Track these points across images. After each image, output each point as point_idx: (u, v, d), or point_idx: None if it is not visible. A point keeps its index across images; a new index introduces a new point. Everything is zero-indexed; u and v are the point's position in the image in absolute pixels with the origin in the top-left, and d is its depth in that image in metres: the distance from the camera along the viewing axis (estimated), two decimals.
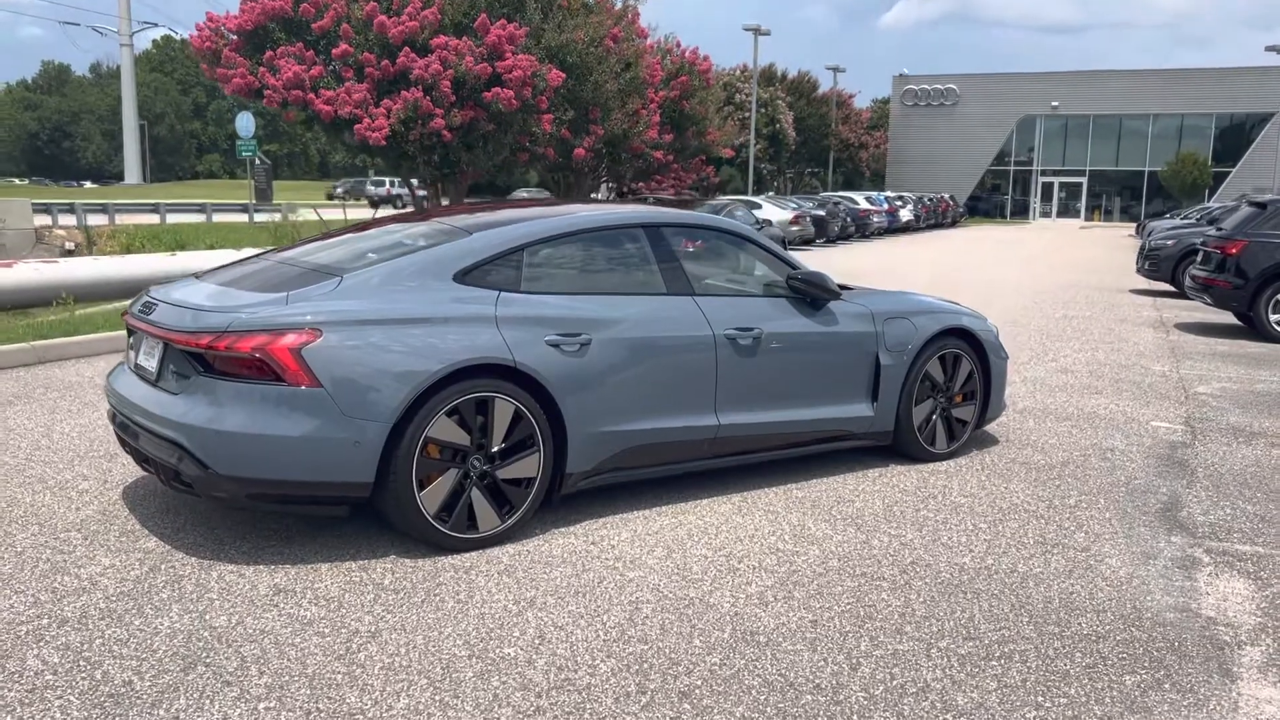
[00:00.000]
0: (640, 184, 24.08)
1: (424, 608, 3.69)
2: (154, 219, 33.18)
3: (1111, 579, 4.20)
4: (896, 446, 5.84)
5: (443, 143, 13.02)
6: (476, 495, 4.25)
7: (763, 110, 46.22)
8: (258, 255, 4.87)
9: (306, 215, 27.01)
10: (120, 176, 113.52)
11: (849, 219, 33.59)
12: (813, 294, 5.33)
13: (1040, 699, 3.20)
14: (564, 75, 13.78)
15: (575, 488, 4.62)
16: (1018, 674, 3.36)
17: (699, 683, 3.22)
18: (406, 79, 12.76)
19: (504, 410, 4.25)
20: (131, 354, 4.53)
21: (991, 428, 6.74)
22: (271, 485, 3.94)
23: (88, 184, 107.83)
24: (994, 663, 3.43)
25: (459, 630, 3.52)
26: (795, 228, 27.26)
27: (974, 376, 6.03)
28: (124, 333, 4.62)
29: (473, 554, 4.22)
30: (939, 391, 5.90)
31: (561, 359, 4.41)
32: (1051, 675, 3.36)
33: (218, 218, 35.91)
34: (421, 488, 4.10)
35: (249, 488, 3.93)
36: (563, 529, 4.58)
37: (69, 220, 30.19)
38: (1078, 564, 4.35)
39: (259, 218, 35.17)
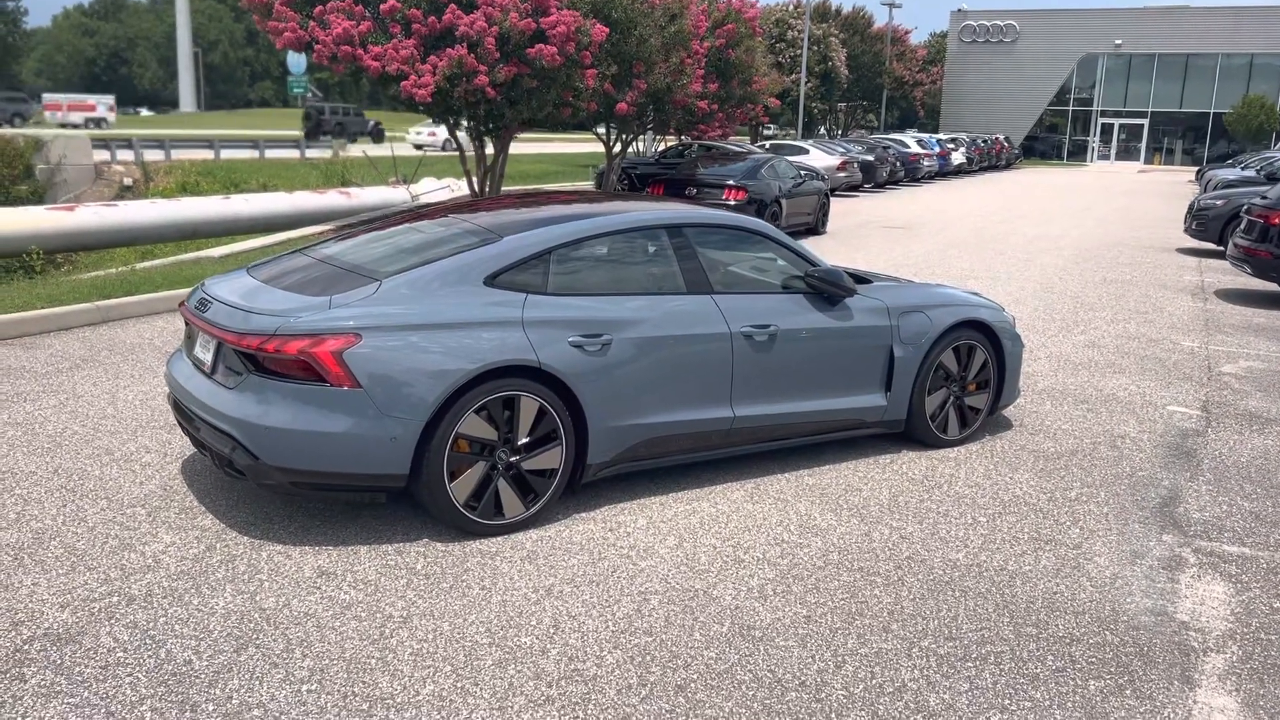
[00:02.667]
0: (693, 132, 24.09)
1: (451, 594, 4.06)
2: (209, 155, 33.77)
3: (1096, 579, 4.46)
4: (909, 434, 6.10)
5: (487, 99, 13.21)
6: (503, 485, 4.59)
7: (815, 48, 45.53)
8: (302, 250, 5.20)
9: (355, 152, 27.39)
10: (175, 103, 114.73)
11: (898, 163, 33.25)
12: (828, 291, 5.56)
13: (1007, 702, 3.50)
14: (608, 30, 13.86)
15: (595, 477, 4.95)
16: (990, 676, 3.66)
17: (695, 677, 3.56)
18: (452, 35, 12.93)
19: (529, 407, 4.57)
20: (189, 343, 4.90)
21: (1008, 411, 6.95)
22: (316, 475, 4.31)
23: (144, 110, 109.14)
24: (970, 664, 3.73)
25: (482, 618, 3.89)
26: (842, 174, 27.10)
27: (988, 366, 6.24)
28: (183, 297, 4.97)
29: (499, 539, 4.58)
30: (953, 381, 6.12)
31: (584, 358, 4.71)
32: (1021, 678, 3.65)
33: (270, 154, 36.45)
34: (452, 479, 4.45)
35: (295, 477, 4.31)
36: (583, 514, 4.92)
37: (127, 156, 30.82)
38: (1066, 562, 4.62)
39: (310, 154, 35.69)
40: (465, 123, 14.30)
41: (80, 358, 7.51)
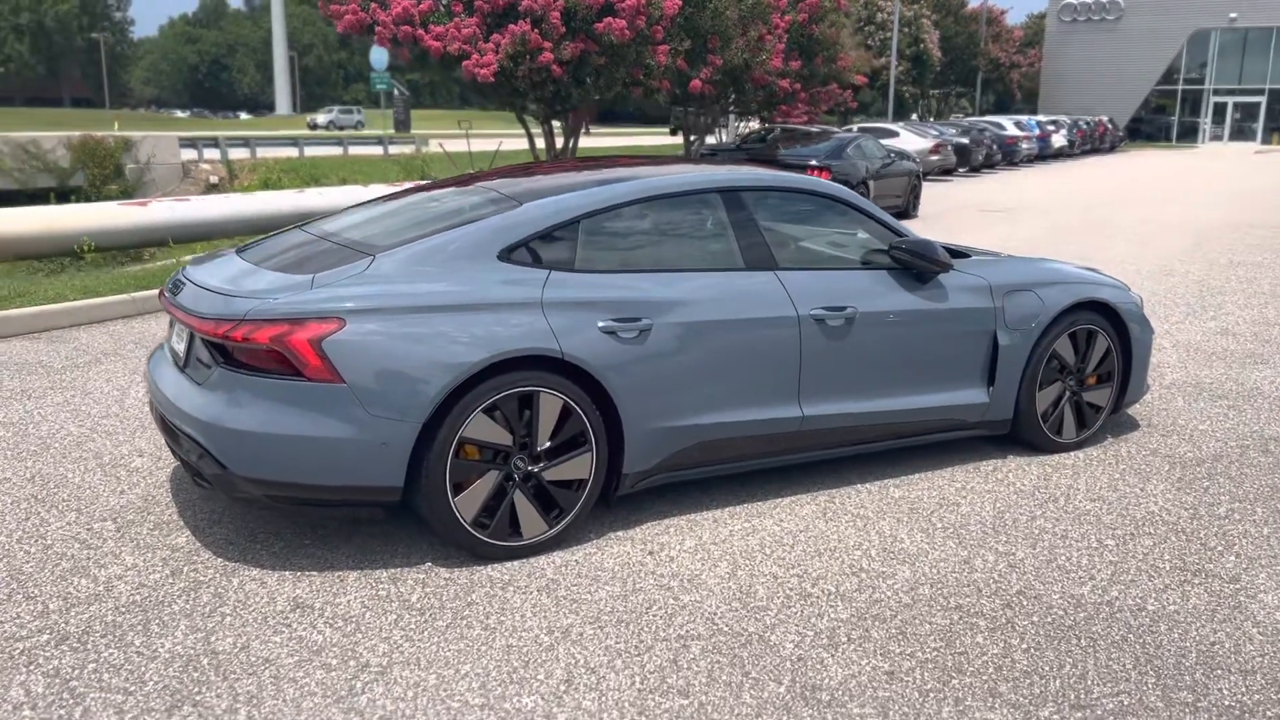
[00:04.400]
0: (775, 114, 23.11)
1: (447, 635, 3.31)
2: (293, 152, 33.89)
3: (1266, 625, 3.50)
4: (1017, 436, 5.16)
5: (553, 78, 12.50)
6: (520, 499, 3.83)
7: (905, 30, 43.93)
8: (300, 227, 4.50)
9: (441, 147, 27.08)
10: (272, 107, 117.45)
11: (995, 146, 31.68)
12: (918, 266, 4.66)
13: None
14: (680, 3, 13.03)
15: (634, 488, 4.15)
16: None
17: None
18: (515, 11, 12.25)
19: (551, 406, 3.80)
20: (170, 335, 4.25)
21: (1134, 409, 5.95)
22: (293, 488, 3.61)
23: (243, 115, 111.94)
24: None
25: (479, 668, 3.12)
26: (935, 157, 25.82)
27: (1111, 355, 5.26)
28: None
29: (515, 564, 3.82)
30: (1068, 373, 5.16)
31: (617, 347, 3.92)
32: None
33: (354, 150, 36.45)
34: (457, 491, 3.70)
35: (269, 489, 3.61)
36: (620, 533, 4.13)
37: (213, 155, 31.07)
38: (1223, 600, 3.66)
39: (393, 150, 35.61)
40: (531, 105, 13.62)
41: (102, 352, 7.00)
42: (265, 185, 27.68)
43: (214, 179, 28.53)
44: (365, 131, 46.57)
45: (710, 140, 23.59)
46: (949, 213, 17.76)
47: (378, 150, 36.69)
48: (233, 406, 3.58)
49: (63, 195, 22.64)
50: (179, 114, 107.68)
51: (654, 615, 3.47)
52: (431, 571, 3.74)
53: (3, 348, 7.05)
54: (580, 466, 3.92)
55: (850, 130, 24.28)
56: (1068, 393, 5.18)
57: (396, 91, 53.81)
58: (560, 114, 13.89)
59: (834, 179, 14.17)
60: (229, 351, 3.61)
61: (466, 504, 3.72)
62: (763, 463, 4.47)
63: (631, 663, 3.17)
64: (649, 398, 4.02)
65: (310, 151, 34.69)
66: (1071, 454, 5.19)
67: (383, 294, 3.64)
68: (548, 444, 3.84)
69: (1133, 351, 5.33)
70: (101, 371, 6.48)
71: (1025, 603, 3.62)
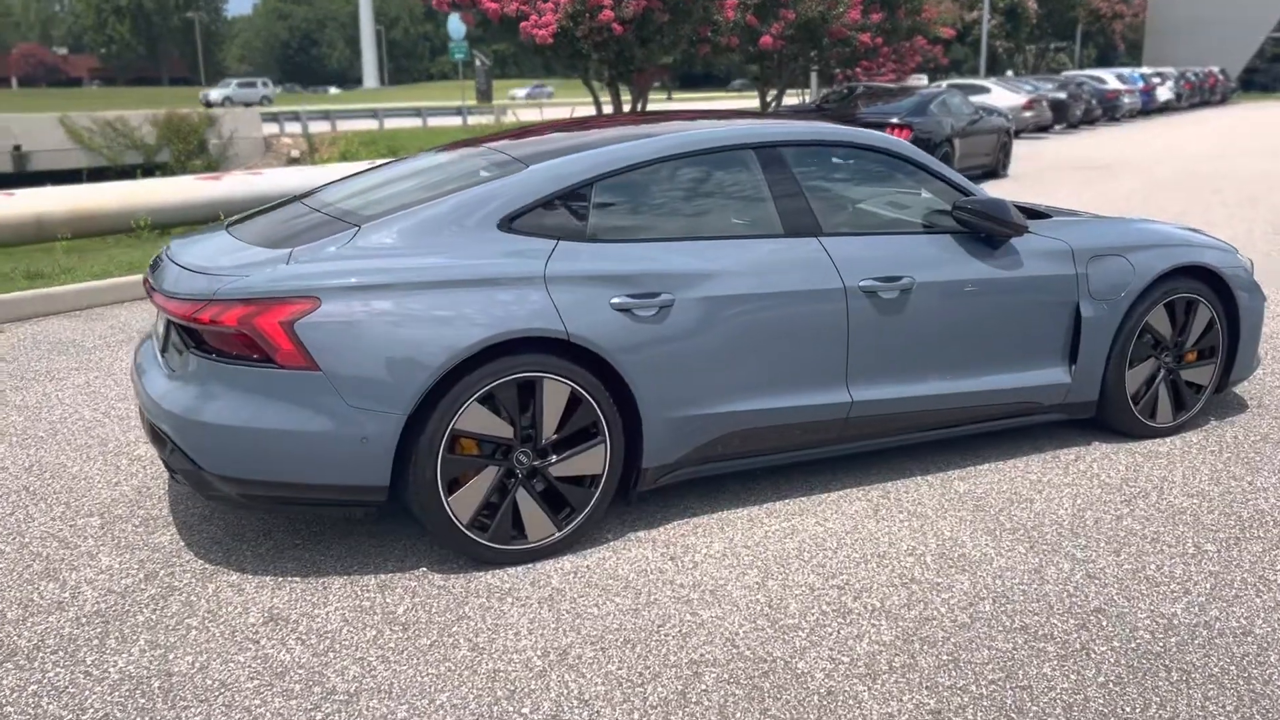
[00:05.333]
0: (857, 71, 22.20)
1: (428, 657, 2.92)
2: (373, 125, 33.97)
3: None
4: (1103, 420, 4.56)
5: (614, 38, 12.00)
6: (524, 497, 3.42)
7: None
8: (300, 198, 4.13)
9: (524, 115, 26.82)
10: (360, 81, 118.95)
11: (1094, 101, 30.11)
12: (986, 229, 4.09)
13: None
14: None
15: (658, 484, 3.71)
16: None
17: None
18: None
19: (556, 393, 3.37)
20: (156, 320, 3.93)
21: (1241, 388, 5.28)
22: (269, 487, 3.25)
23: (332, 89, 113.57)
24: None
25: (456, 699, 2.72)
26: (1029, 113, 24.57)
27: (1215, 328, 4.61)
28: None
29: (519, 570, 3.41)
30: (1163, 349, 4.54)
31: (633, 327, 3.46)
32: None
33: (433, 122, 36.42)
34: (451, 490, 3.30)
35: (244, 488, 3.26)
36: (642, 533, 3.69)
37: (294, 129, 31.32)
38: None
39: (472, 120, 35.48)
40: (594, 68, 13.13)
41: (138, 329, 6.79)
42: (344, 158, 27.79)
43: (295, 152, 28.79)
44: (445, 102, 46.46)
45: (792, 101, 22.78)
46: (1042, 171, 16.78)
47: (457, 121, 36.62)
48: (203, 397, 3.24)
49: (149, 171, 23.01)
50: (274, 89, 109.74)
51: (666, 635, 3.03)
52: (425, 578, 3.36)
53: (44, 326, 6.90)
54: (593, 461, 3.49)
55: (929, 87, 23.26)
56: (1163, 371, 4.56)
57: (478, 61, 53.62)
58: (624, 76, 13.37)
59: (916, 138, 13.43)
60: (200, 336, 3.26)
61: (462, 503, 3.32)
62: (807, 454, 3.98)
63: (632, 694, 2.74)
64: (671, 383, 3.56)
65: (390, 124, 34.75)
66: (1167, 440, 4.58)
67: (363, 270, 3.25)
68: (554, 436, 3.42)
69: (1240, 323, 4.67)
70: (131, 351, 6.26)
71: (1105, 623, 3.08)
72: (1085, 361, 4.34)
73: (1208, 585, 3.30)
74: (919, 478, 4.18)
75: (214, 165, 25.60)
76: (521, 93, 64.61)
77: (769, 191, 3.87)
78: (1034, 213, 4.69)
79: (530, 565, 3.44)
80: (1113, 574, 3.38)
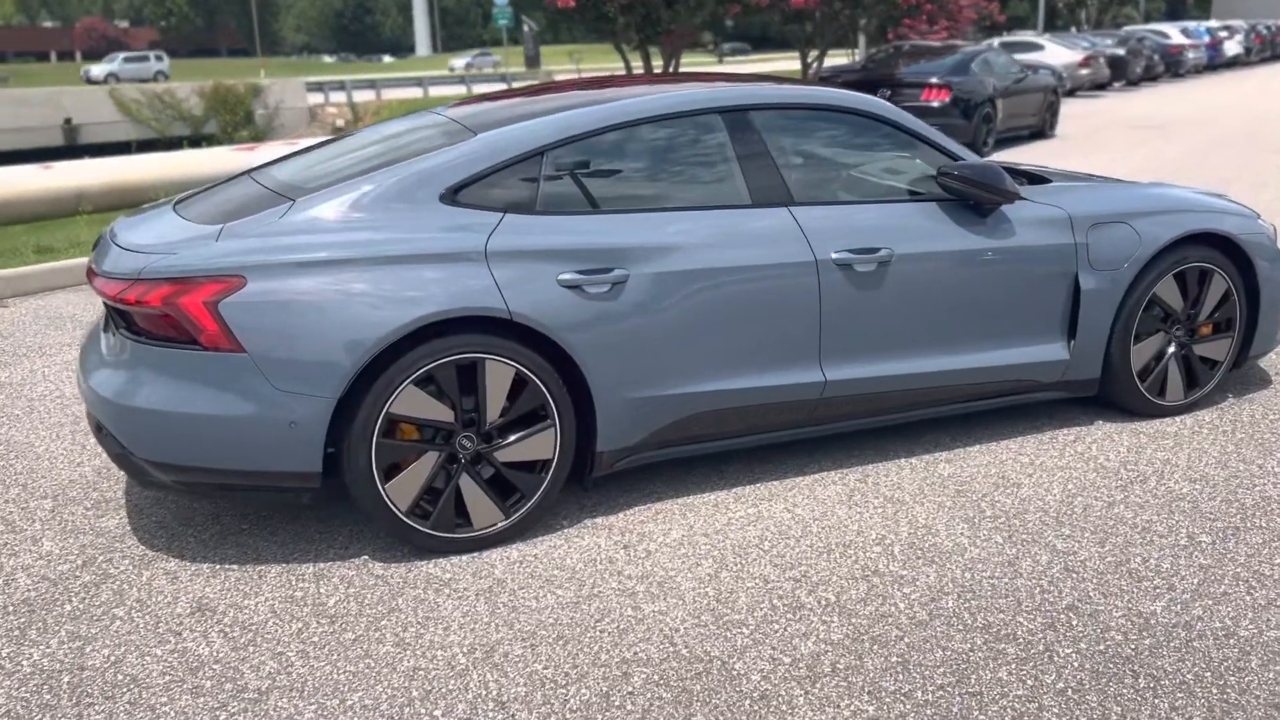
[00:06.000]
0: (906, 30, 21.58)
1: (349, 652, 2.80)
2: (418, 93, 33.97)
3: None
4: (1108, 398, 4.30)
5: (641, 0, 11.71)
6: (468, 484, 3.27)
7: None
8: (251, 172, 3.99)
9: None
10: (413, 48, 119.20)
11: (1156, 56, 29.00)
12: (973, 196, 3.83)
13: None
14: None
15: (616, 468, 3.54)
16: None
17: None
18: None
19: (499, 375, 3.21)
20: None
21: (1265, 362, 4.96)
22: (202, 474, 3.14)
23: (386, 57, 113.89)
24: None
25: (368, 700, 2.60)
26: (1085, 70, 23.72)
27: (1232, 299, 4.31)
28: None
29: (465, 558, 3.28)
30: (1174, 322, 4.25)
31: (583, 304, 3.28)
32: None
33: (478, 88, 36.30)
34: (389, 476, 3.17)
35: (178, 475, 3.15)
36: (600, 519, 3.53)
37: (339, 98, 31.42)
38: None
39: (516, 86, 35.40)
40: (621, 30, 12.84)
41: None
42: None
43: (339, 121, 28.87)
44: (490, 70, 46.36)
45: (840, 61, 22.21)
46: (1092, 131, 16.16)
47: (501, 87, 36.48)
48: (133, 381, 3.13)
49: (195, 142, 23.20)
50: (326, 59, 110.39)
51: (603, 631, 2.87)
52: (364, 567, 3.24)
53: (49, 300, 6.90)
54: (542, 445, 3.33)
55: (990, 44, 22.53)
56: (1173, 345, 4.27)
57: (526, 27, 53.27)
58: (653, 39, 13.07)
59: (955, 98, 12.99)
60: (130, 317, 3.15)
61: (400, 490, 3.18)
62: (780, 436, 3.79)
63: (553, 697, 2.59)
64: (626, 363, 3.38)
65: (435, 91, 34.72)
66: (1176, 420, 4.30)
67: (292, 246, 3.10)
68: (499, 420, 3.26)
69: (1261, 294, 4.35)
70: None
71: (1075, 622, 2.86)
72: (1085, 337, 4.07)
73: (1195, 581, 3.06)
74: (902, 460, 3.96)
75: (260, 135, 25.78)
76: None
77: (736, 159, 3.65)
78: (1035, 177, 4.41)
79: (476, 554, 3.30)
80: (1093, 567, 3.15)
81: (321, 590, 3.11)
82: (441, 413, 3.19)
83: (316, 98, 30.66)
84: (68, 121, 26.69)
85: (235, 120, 27.13)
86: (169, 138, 25.38)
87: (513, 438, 3.30)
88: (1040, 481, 3.75)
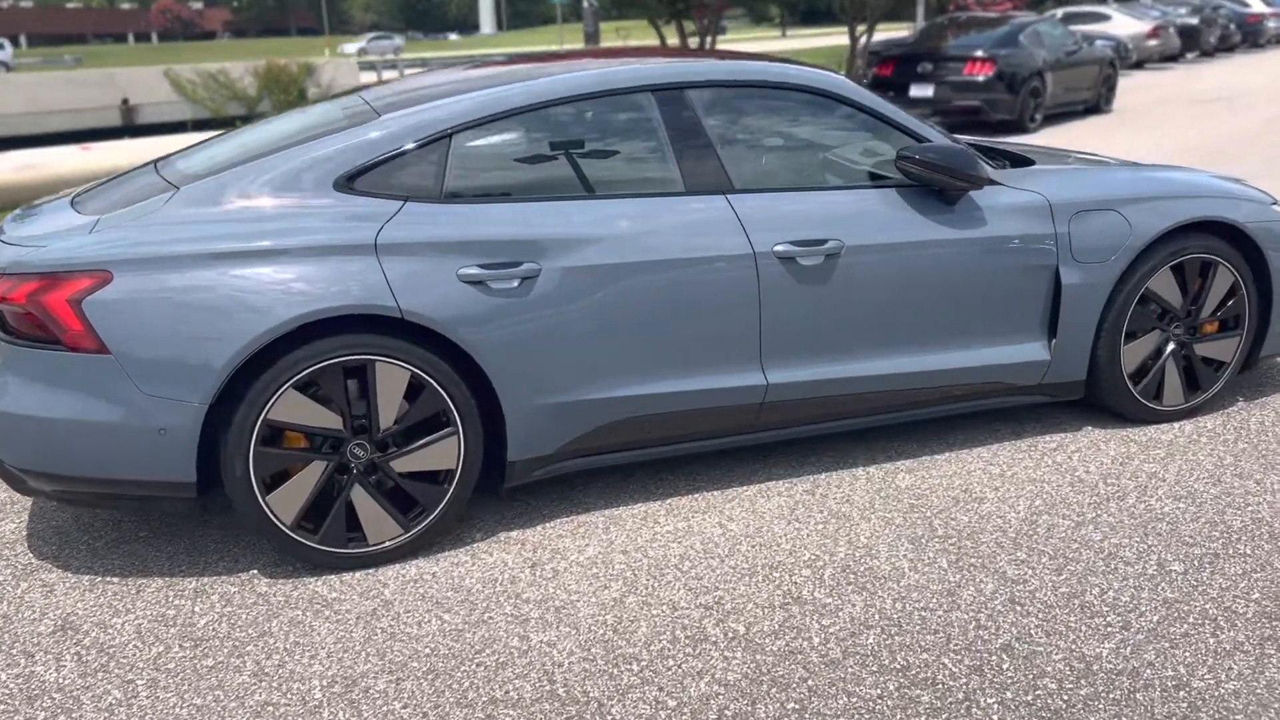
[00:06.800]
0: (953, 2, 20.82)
1: (203, 682, 2.58)
2: None
3: None
4: (1098, 402, 3.92)
5: None
6: (360, 496, 3.03)
7: None
8: (154, 161, 3.76)
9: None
10: (478, 27, 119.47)
11: (1233, 26, 27.70)
12: (937, 181, 3.48)
13: None
14: None
15: (534, 477, 3.27)
16: None
17: None
18: None
19: (392, 378, 2.96)
20: None
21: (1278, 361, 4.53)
22: (78, 483, 2.94)
23: (452, 36, 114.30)
24: None
25: None
26: (1153, 41, 22.70)
27: (1239, 293, 3.89)
28: None
29: (358, 576, 3.05)
30: (1172, 319, 3.85)
31: (486, 301, 3.02)
32: None
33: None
34: (271, 487, 2.94)
35: (54, 484, 2.96)
36: (516, 533, 3.28)
37: (392, 76, 31.46)
38: None
39: None
40: (653, 4, 12.47)
41: None
42: None
43: None
44: (548, 47, 46.02)
45: (894, 34, 21.53)
46: (1150, 106, 15.40)
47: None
48: (1, 385, 2.94)
49: (248, 120, 23.36)
50: (395, 38, 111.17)
51: (480, 664, 2.62)
52: (249, 583, 3.02)
53: None
54: (444, 454, 3.08)
55: (1047, 15, 21.65)
56: (1172, 345, 3.88)
57: (586, 3, 52.90)
58: (683, 13, 12.68)
59: (999, 72, 12.45)
60: (3, 316, 2.96)
61: (284, 502, 2.96)
62: (722, 444, 3.49)
63: None
64: (539, 366, 3.11)
65: None
66: (1174, 427, 3.91)
67: (164, 239, 2.88)
68: (393, 427, 3.02)
69: (1274, 287, 3.93)
70: None
71: (1007, 666, 2.53)
72: (1068, 335, 3.70)
73: (1154, 618, 2.71)
74: (859, 469, 3.64)
75: None
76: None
77: (669, 142, 3.34)
78: (1019, 159, 4.02)
79: (372, 571, 3.07)
80: (1042, 599, 2.81)
81: (197, 609, 2.90)
82: (328, 419, 2.95)
83: (369, 76, 30.71)
84: (125, 102, 27.04)
85: (289, 99, 27.26)
86: (223, 117, 25.62)
87: (411, 446, 3.05)
88: (1006, 496, 3.40)
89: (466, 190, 3.14)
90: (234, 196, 3.01)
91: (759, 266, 3.29)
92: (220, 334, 2.81)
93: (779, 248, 3.30)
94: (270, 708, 2.48)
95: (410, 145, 3.12)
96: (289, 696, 2.52)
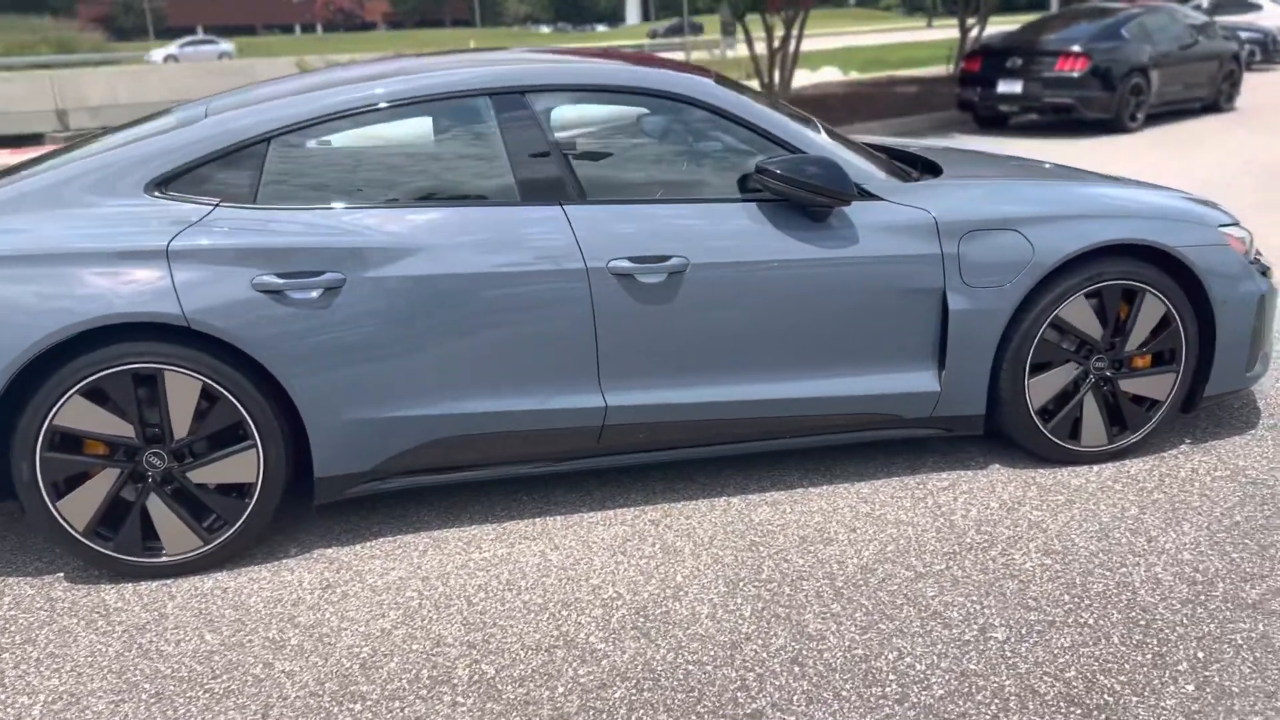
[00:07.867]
0: None
1: None
2: None
3: None
4: (1008, 439, 3.57)
5: None
6: (156, 505, 2.99)
7: None
8: (54, 154, 3.82)
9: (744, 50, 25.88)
10: (624, 18, 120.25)
11: None
12: (797, 198, 3.20)
13: None
14: None
15: (348, 495, 3.17)
16: None
17: None
18: None
19: (182, 388, 2.91)
20: None
21: (1262, 388, 4.03)
22: None
23: (600, 27, 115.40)
24: None
25: None
26: None
27: (1174, 326, 3.46)
28: None
29: (152, 586, 3.01)
30: (1089, 351, 3.46)
31: (284, 312, 2.93)
32: None
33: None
34: (62, 493, 2.93)
35: None
36: (330, 550, 3.19)
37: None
38: None
39: (695, 55, 34.74)
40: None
41: None
42: None
43: None
44: (699, 37, 45.79)
45: (1010, 28, 20.54)
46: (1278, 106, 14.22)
47: (679, 57, 36.02)
48: None
49: None
50: (544, 29, 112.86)
51: (207, 690, 2.54)
52: (47, 588, 3.02)
53: None
54: (244, 467, 3.01)
55: (1199, 8, 20.23)
56: (1091, 379, 3.48)
57: None
58: (755, 7, 12.34)
59: (1094, 67, 11.71)
60: None
61: (75, 509, 2.94)
62: (574, 465, 3.31)
63: None
64: (345, 380, 3.01)
65: None
66: (1093, 470, 3.52)
67: None
68: (187, 437, 2.96)
69: (1217, 319, 3.49)
70: None
71: None
72: (958, 365, 3.36)
73: (939, 693, 2.41)
74: (722, 499, 3.40)
75: None
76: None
77: (505, 149, 3.17)
78: (930, 164, 3.70)
79: (168, 582, 3.03)
80: (828, 661, 2.54)
81: None
82: (119, 427, 2.92)
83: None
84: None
85: None
86: None
87: (209, 458, 2.99)
88: (859, 539, 3.12)
89: (281, 196, 3.06)
90: (37, 200, 3.00)
91: (592, 283, 3.09)
92: None
93: (615, 264, 3.10)
94: None
95: (226, 149, 3.05)
96: (7, 711, 2.49)
